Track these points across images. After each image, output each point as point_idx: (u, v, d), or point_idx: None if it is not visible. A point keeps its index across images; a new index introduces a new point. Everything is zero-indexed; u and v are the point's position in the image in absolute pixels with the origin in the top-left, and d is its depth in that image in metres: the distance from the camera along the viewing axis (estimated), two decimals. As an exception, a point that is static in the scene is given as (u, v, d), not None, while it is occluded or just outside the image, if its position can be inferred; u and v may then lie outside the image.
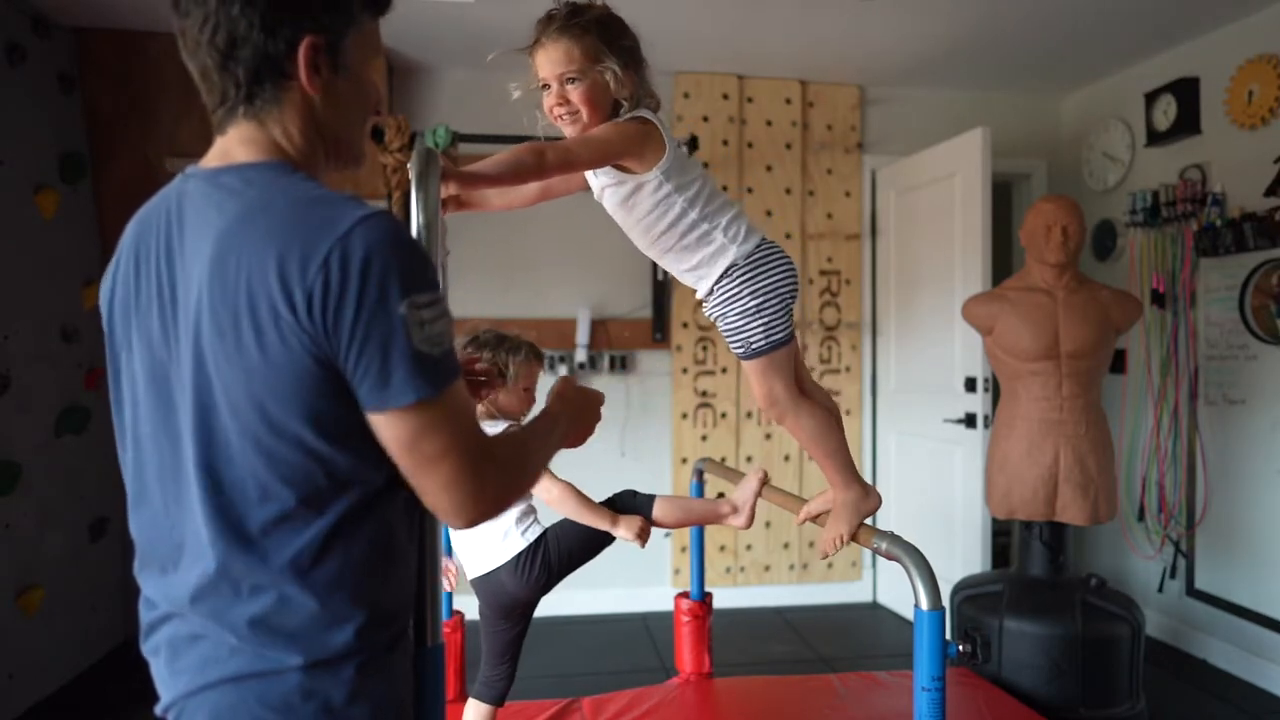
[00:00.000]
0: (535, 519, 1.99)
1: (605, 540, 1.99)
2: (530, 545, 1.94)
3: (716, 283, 1.46)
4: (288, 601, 0.86)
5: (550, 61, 1.32)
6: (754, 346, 1.47)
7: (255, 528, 0.85)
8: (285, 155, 0.92)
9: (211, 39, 0.87)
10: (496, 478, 0.91)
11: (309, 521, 0.86)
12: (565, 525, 1.99)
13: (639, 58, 1.37)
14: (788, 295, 1.48)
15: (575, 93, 1.32)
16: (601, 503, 2.00)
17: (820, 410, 1.53)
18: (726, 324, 1.49)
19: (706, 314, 1.55)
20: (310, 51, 0.90)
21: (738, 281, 1.45)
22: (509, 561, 1.94)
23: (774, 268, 1.47)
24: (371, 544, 0.90)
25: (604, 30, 1.33)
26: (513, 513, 1.95)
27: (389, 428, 0.85)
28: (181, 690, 0.88)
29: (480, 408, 1.92)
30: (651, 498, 2.00)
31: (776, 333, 1.46)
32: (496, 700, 2.07)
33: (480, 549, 1.98)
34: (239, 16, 0.86)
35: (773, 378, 1.49)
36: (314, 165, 0.95)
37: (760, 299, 1.45)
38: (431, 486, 0.87)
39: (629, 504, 2.01)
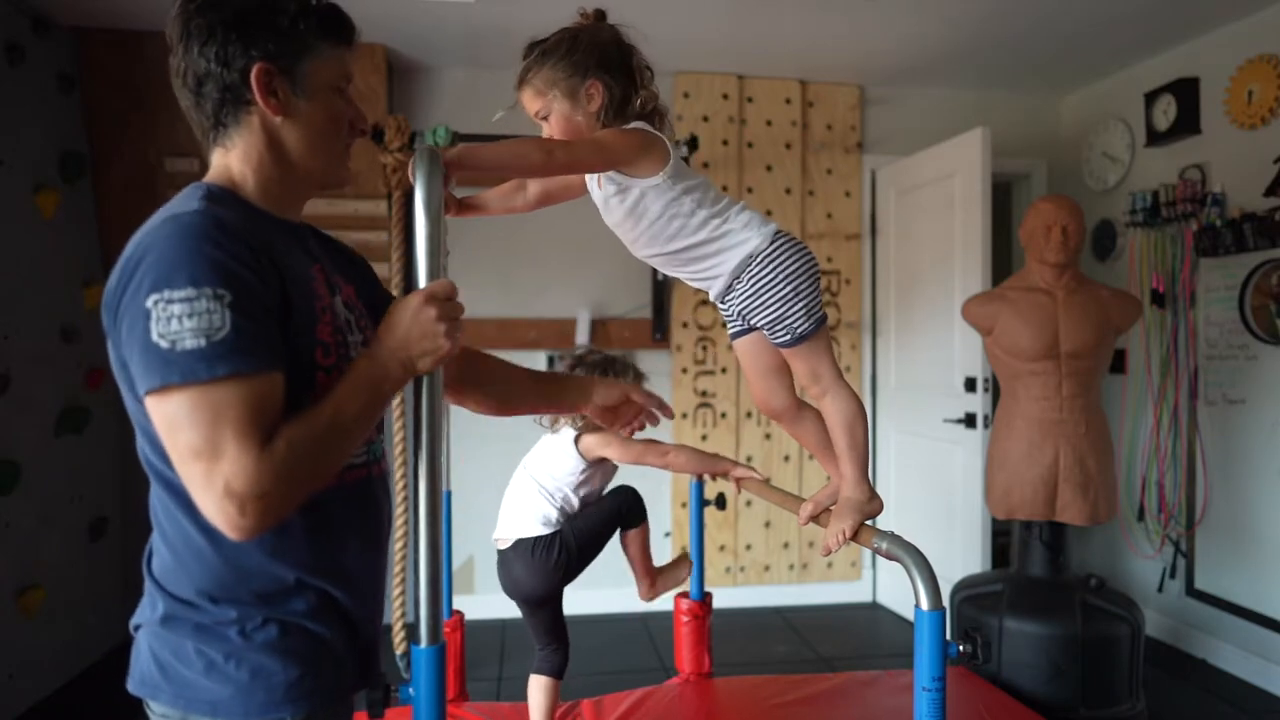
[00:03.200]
0: (562, 520, 2.03)
1: (614, 526, 2.08)
2: (549, 535, 2.00)
3: (745, 270, 1.42)
4: (165, 564, 1.00)
5: (525, 105, 1.40)
6: (799, 330, 1.42)
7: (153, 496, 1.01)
8: (225, 177, 1.03)
9: (184, 80, 1.01)
10: (263, 486, 0.86)
11: (158, 494, 0.99)
12: (579, 521, 2.04)
13: (599, 60, 1.35)
14: (816, 273, 1.46)
15: (550, 128, 1.38)
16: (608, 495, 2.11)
17: (856, 397, 1.52)
18: (765, 314, 1.43)
19: (726, 314, 1.52)
20: (263, 77, 0.99)
21: (767, 267, 1.41)
22: (528, 540, 2.00)
23: (796, 250, 1.44)
24: (178, 526, 0.98)
25: (552, 57, 1.34)
26: (551, 511, 2.00)
27: (152, 415, 0.91)
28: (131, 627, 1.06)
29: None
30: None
31: (817, 310, 1.44)
32: (554, 672, 2.13)
33: (513, 515, 2.03)
34: (199, 56, 0.99)
35: (817, 356, 1.47)
36: (267, 185, 1.04)
37: (794, 281, 1.41)
38: (190, 488, 0.89)
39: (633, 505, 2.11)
